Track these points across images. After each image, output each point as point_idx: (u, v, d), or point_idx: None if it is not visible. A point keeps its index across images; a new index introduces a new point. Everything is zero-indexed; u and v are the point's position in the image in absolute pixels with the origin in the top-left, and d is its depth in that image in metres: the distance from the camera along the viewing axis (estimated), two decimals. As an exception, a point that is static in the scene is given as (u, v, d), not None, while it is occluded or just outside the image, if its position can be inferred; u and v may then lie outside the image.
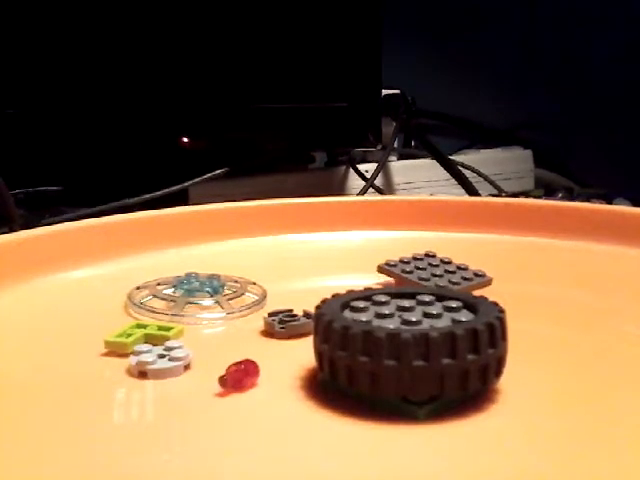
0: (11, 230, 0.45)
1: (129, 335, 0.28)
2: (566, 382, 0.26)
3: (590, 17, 0.99)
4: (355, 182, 0.75)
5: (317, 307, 0.25)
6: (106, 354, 0.28)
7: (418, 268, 0.36)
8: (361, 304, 0.25)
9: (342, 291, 0.27)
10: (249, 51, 0.68)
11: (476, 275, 0.36)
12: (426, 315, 0.24)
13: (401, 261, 0.37)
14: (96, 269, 0.40)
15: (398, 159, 0.82)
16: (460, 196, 0.66)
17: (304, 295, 0.34)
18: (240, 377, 0.25)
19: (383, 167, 0.75)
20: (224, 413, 0.23)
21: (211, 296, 0.35)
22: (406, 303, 0.25)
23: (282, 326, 0.30)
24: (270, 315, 0.31)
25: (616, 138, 0.98)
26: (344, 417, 0.23)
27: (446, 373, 0.22)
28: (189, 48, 0.67)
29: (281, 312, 0.31)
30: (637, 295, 0.36)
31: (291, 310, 0.31)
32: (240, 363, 0.25)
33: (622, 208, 0.49)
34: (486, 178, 0.81)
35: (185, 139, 0.71)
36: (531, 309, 0.34)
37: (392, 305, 0.25)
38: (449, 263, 0.37)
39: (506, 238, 0.47)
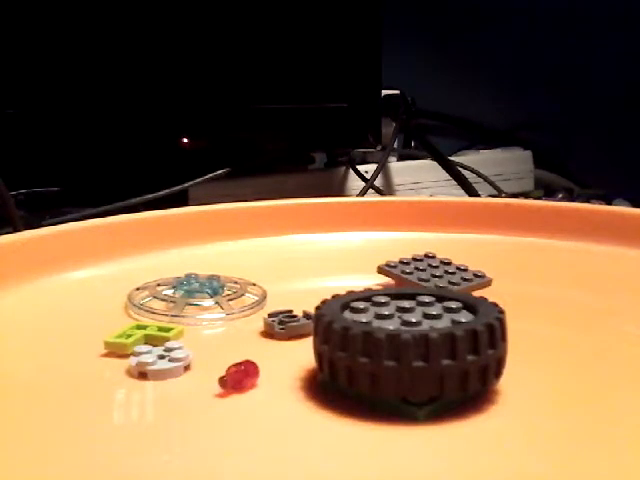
0: (15, 230, 0.45)
1: (129, 336, 0.28)
2: (566, 382, 0.26)
3: (590, 17, 0.99)
4: (355, 183, 0.75)
5: (317, 308, 0.25)
6: (106, 355, 0.28)
7: (418, 269, 0.36)
8: (361, 305, 0.25)
9: (342, 292, 0.27)
10: (249, 52, 0.68)
11: (476, 276, 0.36)
12: (426, 316, 0.24)
13: (401, 262, 0.37)
14: (97, 269, 0.40)
15: (398, 160, 0.82)
16: (460, 197, 0.66)
17: (304, 296, 0.34)
18: (240, 378, 0.25)
19: (383, 168, 0.75)
20: (224, 414, 0.23)
21: (211, 297, 0.35)
22: (406, 304, 0.25)
23: (282, 327, 0.30)
24: (270, 316, 0.31)
25: (616, 138, 0.98)
26: (344, 418, 0.23)
27: (446, 374, 0.22)
28: (189, 49, 0.67)
29: (281, 313, 0.31)
30: (637, 295, 0.36)
31: (291, 311, 0.32)
32: (240, 364, 0.25)
33: (622, 209, 0.49)
34: (486, 179, 0.81)
35: (185, 139, 0.71)
36: (531, 309, 0.34)
37: (392, 306, 0.25)
38: (449, 264, 0.37)
39: (506, 239, 0.47)
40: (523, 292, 0.36)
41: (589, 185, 0.93)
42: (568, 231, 0.46)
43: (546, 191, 0.91)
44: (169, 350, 0.27)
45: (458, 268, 0.36)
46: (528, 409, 0.24)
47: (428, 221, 0.48)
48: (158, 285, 0.36)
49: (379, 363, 0.22)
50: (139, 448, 0.21)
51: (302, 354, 0.27)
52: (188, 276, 0.36)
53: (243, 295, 0.35)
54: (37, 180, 0.68)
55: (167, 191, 0.63)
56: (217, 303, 0.34)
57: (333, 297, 0.26)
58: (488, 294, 0.27)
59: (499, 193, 0.80)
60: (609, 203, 0.72)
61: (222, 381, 0.24)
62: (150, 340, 0.29)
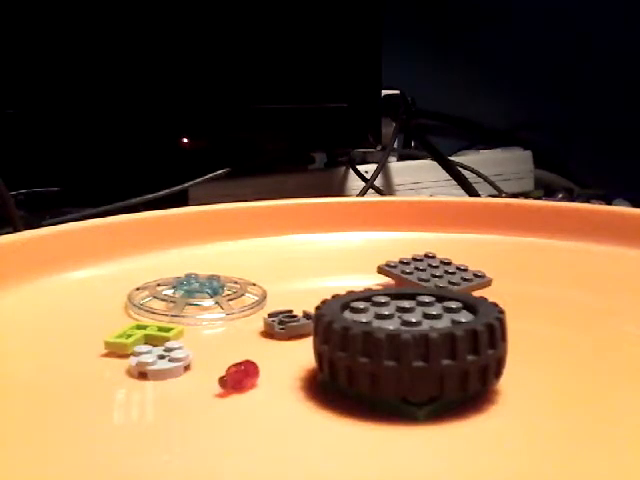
0: (15, 230, 0.45)
1: (129, 336, 0.28)
2: (566, 382, 0.26)
3: (590, 17, 0.99)
4: (355, 183, 0.75)
5: (317, 308, 0.25)
6: (106, 355, 0.28)
7: (418, 269, 0.36)
8: (361, 305, 0.25)
9: (342, 292, 0.27)
10: (249, 52, 0.68)
11: (476, 276, 0.36)
12: (426, 316, 0.24)
13: (401, 262, 0.37)
14: (98, 269, 0.40)
15: (398, 160, 0.82)
16: (460, 197, 0.66)
17: (304, 296, 0.34)
18: (240, 378, 0.25)
19: (383, 168, 0.75)
20: (224, 414, 0.23)
21: (211, 297, 0.35)
22: (406, 304, 0.25)
23: (282, 327, 0.30)
24: (270, 316, 0.31)
25: (616, 139, 0.98)
26: (344, 418, 0.23)
27: (446, 374, 0.22)
28: (189, 49, 0.67)
29: (281, 313, 0.31)
30: (637, 295, 0.36)
31: (291, 311, 0.32)
32: (240, 364, 0.25)
33: (621, 209, 0.49)
34: (486, 179, 0.81)
35: (185, 139, 0.71)
36: (531, 310, 0.34)
37: (392, 306, 0.25)
38: (449, 264, 0.37)
39: (506, 239, 0.47)
40: (523, 292, 0.36)
41: (589, 185, 0.93)
42: (568, 231, 0.46)
43: (546, 191, 0.91)
44: (169, 350, 0.27)
45: (458, 268, 0.36)
46: (528, 409, 0.24)
47: (428, 221, 0.48)
48: (158, 285, 0.36)
49: (379, 363, 0.22)
50: (139, 448, 0.21)
51: (302, 354, 0.27)
52: (188, 276, 0.36)
53: (243, 295, 0.35)
54: (37, 180, 0.68)
55: (167, 191, 0.63)
56: (217, 303, 0.34)
57: (333, 297, 0.26)
58: (488, 294, 0.27)
59: (499, 193, 0.80)
60: (609, 203, 0.72)
61: (222, 381, 0.24)
62: (150, 340, 0.29)
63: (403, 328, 0.23)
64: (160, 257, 0.43)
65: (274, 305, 0.33)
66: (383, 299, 0.25)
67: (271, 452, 0.21)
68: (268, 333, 0.31)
